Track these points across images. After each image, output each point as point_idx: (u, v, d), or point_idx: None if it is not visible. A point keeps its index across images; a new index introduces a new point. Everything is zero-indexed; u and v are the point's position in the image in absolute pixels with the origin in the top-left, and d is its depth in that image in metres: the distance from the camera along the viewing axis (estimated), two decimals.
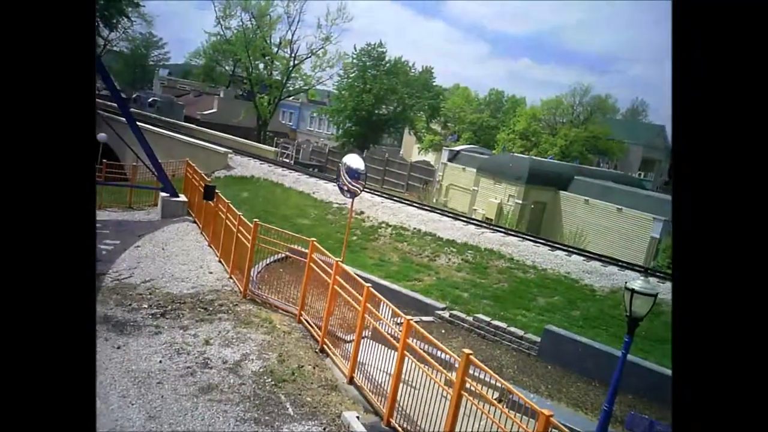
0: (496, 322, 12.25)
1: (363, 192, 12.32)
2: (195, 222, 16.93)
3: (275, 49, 41.10)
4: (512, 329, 12.01)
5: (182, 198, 18.29)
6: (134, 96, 49.34)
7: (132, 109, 29.08)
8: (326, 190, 22.90)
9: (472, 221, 21.02)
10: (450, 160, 36.33)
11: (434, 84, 48.22)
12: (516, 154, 37.36)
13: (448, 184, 35.59)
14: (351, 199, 11.82)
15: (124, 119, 18.86)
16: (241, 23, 39.91)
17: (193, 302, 10.88)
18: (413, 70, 47.21)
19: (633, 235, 24.96)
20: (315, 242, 10.47)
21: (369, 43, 44.79)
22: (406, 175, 39.25)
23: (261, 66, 42.12)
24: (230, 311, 10.65)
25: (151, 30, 60.61)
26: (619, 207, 25.85)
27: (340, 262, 9.75)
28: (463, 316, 12.65)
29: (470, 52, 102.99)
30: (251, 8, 39.32)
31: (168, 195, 18.05)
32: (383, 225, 19.09)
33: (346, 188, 11.32)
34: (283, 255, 12.16)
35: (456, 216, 21.41)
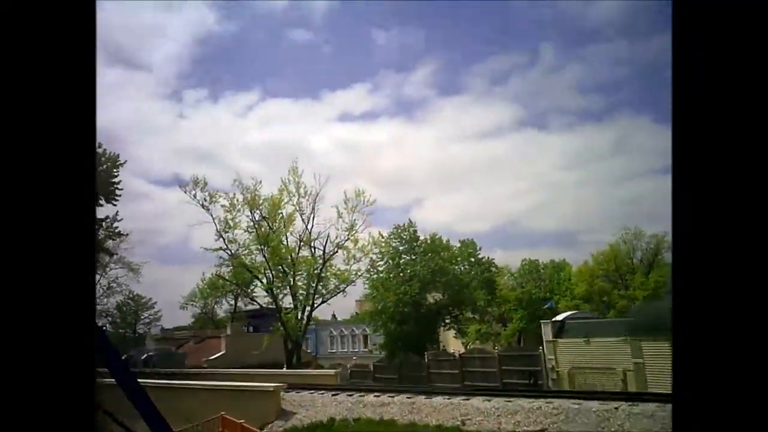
0: None
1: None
2: None
3: (296, 252, 33.11)
4: None
5: None
6: (123, 358, 39.91)
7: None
8: (485, 413, 12.61)
9: None
10: (557, 335, 26.76)
11: (480, 256, 40.54)
12: None
13: (569, 369, 25.42)
14: None
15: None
16: (252, 222, 32.55)
17: None
18: (453, 246, 39.88)
19: None
20: None
21: (397, 225, 38.08)
22: (495, 371, 28.88)
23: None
24: None
25: (137, 292, 54.39)
26: None
27: None
28: None
29: None
30: (258, 205, 32.33)
31: None
32: None
33: None
34: None
35: None
